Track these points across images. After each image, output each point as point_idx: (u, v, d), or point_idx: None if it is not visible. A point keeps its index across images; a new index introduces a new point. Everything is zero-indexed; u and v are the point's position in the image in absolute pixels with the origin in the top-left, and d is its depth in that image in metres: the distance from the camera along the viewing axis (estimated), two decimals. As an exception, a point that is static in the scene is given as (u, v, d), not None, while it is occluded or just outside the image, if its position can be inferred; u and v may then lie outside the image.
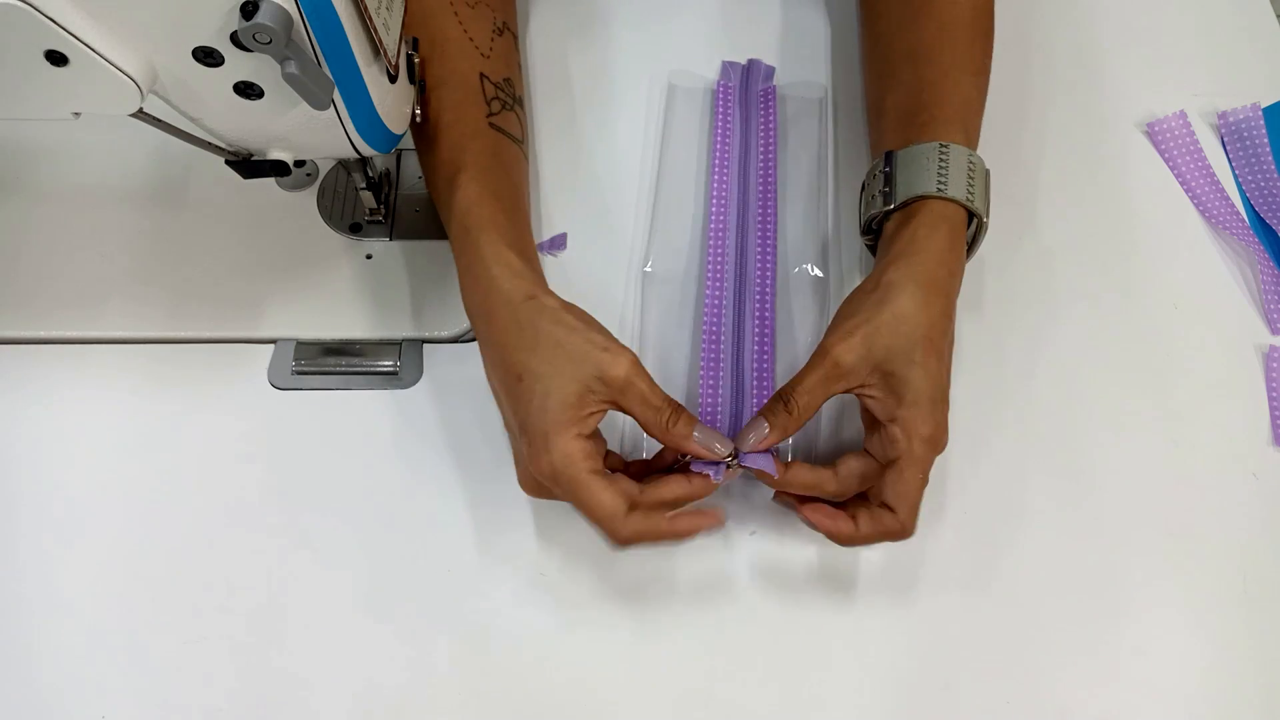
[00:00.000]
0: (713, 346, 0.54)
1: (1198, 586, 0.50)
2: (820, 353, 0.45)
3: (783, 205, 0.59)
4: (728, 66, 0.64)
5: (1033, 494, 0.51)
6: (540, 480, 0.44)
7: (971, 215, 0.49)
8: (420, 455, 0.52)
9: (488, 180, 0.49)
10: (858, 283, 0.50)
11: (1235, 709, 0.47)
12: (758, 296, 0.55)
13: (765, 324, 0.54)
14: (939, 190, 0.48)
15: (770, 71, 0.64)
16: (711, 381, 0.53)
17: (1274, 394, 0.54)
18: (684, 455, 0.46)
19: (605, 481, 0.43)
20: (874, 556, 0.50)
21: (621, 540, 0.43)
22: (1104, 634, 0.48)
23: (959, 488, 0.51)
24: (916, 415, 0.44)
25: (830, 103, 0.63)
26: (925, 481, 0.45)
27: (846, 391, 0.46)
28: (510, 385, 0.44)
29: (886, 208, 0.50)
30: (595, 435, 0.44)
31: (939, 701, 0.47)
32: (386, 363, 0.54)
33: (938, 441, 0.45)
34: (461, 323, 0.54)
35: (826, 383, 0.45)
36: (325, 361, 0.54)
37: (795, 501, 0.48)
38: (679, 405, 0.45)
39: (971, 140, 0.51)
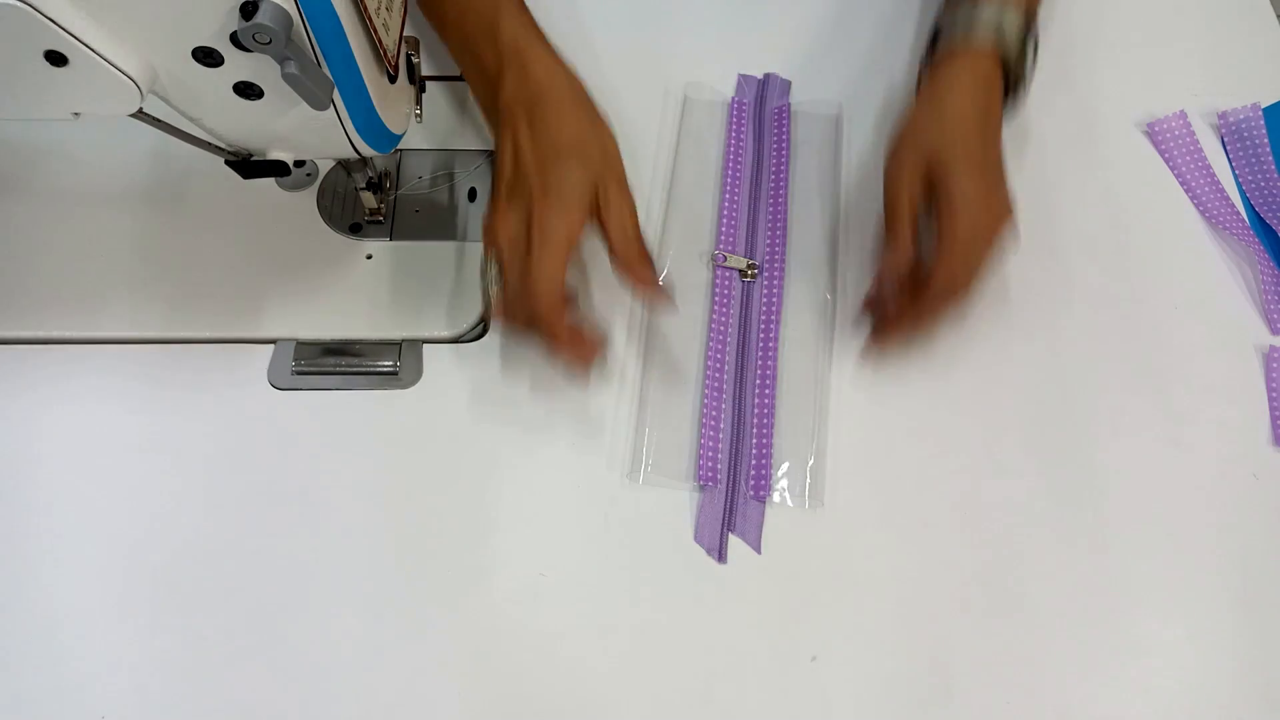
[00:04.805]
0: (717, 367, 0.54)
1: (1198, 586, 0.50)
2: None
3: (792, 227, 0.59)
4: (743, 81, 0.63)
5: (1033, 494, 0.51)
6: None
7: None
8: (420, 455, 0.52)
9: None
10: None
11: (1235, 709, 0.47)
12: (763, 320, 0.55)
13: (769, 346, 0.54)
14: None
15: (787, 86, 0.63)
16: (715, 399, 0.53)
17: (1274, 394, 0.54)
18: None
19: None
20: (874, 555, 0.50)
21: (535, 287, 0.47)
22: (1104, 634, 0.48)
23: (958, 488, 0.51)
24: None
25: (845, 120, 0.62)
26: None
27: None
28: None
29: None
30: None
31: (940, 702, 0.47)
32: (386, 363, 0.54)
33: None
34: (462, 323, 0.55)
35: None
36: (325, 362, 0.54)
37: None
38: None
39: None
